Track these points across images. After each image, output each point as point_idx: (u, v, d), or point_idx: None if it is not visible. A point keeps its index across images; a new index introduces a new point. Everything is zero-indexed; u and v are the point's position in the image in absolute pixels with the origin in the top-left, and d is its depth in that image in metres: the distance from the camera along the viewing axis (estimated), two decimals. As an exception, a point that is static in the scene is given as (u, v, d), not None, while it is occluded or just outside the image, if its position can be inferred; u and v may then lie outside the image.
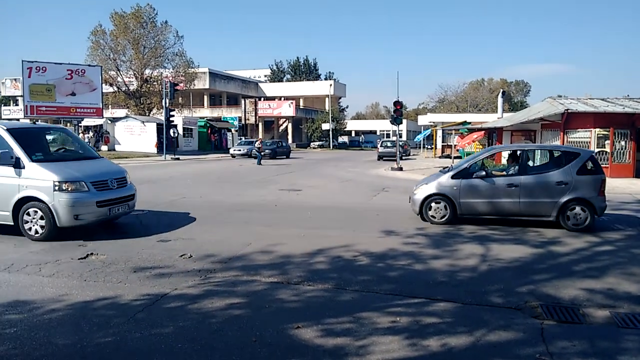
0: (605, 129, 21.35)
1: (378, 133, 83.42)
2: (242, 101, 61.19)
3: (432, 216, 9.83)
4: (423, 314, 4.95)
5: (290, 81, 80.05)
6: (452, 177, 9.82)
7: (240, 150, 39.90)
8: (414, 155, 47.90)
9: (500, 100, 38.67)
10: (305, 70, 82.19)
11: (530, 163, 10.52)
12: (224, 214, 11.18)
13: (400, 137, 35.63)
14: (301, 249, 7.57)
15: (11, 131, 8.21)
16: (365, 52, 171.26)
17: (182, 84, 46.23)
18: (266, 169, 26.03)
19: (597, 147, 21.48)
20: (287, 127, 69.63)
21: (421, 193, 10.01)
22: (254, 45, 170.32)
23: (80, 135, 36.64)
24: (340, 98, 78.90)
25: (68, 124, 44.92)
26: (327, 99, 68.24)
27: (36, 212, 7.86)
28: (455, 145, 32.91)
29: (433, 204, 9.84)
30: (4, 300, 5.24)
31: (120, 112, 49.99)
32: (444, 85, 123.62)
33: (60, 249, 7.47)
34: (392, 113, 27.32)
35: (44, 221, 7.83)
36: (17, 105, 66.20)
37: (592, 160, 9.56)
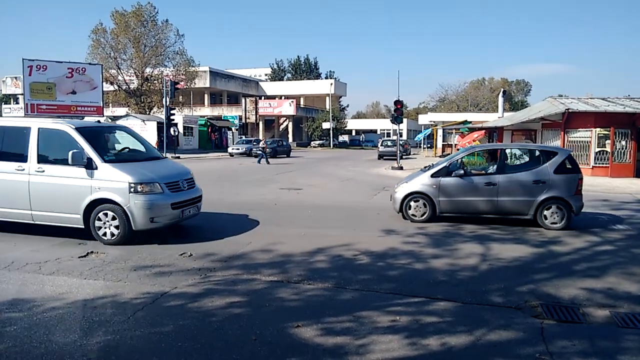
0: (605, 128, 21.34)
1: (378, 132, 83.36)
2: (243, 100, 61.19)
3: (412, 215, 9.93)
4: (423, 313, 4.95)
5: (290, 80, 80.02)
6: (432, 175, 9.93)
7: (238, 149, 39.96)
8: (414, 154, 47.87)
9: (500, 99, 38.70)
10: (305, 69, 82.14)
11: (509, 162, 10.67)
12: (226, 213, 11.17)
13: (401, 136, 35.59)
14: (301, 247, 7.57)
15: (80, 130, 7.86)
16: (366, 51, 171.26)
17: (182, 83, 46.21)
18: (266, 168, 26.03)
19: (597, 147, 21.49)
20: (287, 126, 69.62)
21: (401, 192, 10.13)
22: (255, 44, 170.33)
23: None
24: (340, 97, 78.84)
25: (68, 123, 44.97)
26: (327, 98, 68.19)
27: (109, 214, 7.53)
28: (455, 145, 32.90)
29: (412, 203, 9.94)
30: (4, 298, 5.25)
31: (121, 111, 49.96)
32: (444, 85, 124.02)
33: (60, 247, 7.47)
34: (393, 112, 27.31)
35: (117, 224, 7.51)
36: (17, 103, 66.13)
37: (570, 159, 9.65)
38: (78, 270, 6.31)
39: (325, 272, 6.39)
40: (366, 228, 9.37)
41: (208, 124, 51.47)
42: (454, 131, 40.14)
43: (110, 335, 4.31)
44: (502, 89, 45.07)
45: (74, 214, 7.63)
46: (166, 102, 35.70)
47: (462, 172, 9.77)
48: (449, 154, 37.77)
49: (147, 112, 46.87)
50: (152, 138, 40.09)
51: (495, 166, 9.94)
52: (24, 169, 7.77)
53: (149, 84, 47.19)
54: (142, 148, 9.12)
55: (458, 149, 33.47)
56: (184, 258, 6.97)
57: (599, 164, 21.47)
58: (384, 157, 36.25)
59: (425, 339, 4.33)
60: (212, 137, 51.14)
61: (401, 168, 25.37)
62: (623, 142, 21.37)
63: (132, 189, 7.46)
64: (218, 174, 21.98)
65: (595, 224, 9.97)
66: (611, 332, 4.61)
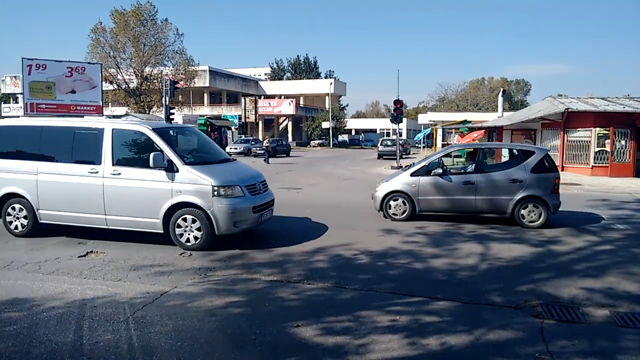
0: (605, 128, 21.35)
1: (378, 132, 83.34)
2: (242, 99, 61.09)
3: (393, 214, 10.01)
4: (423, 313, 4.95)
5: (290, 79, 79.96)
6: (412, 174, 10.05)
7: (236, 148, 39.90)
8: (414, 153, 47.86)
9: (500, 99, 38.64)
10: (305, 69, 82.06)
11: (488, 161, 10.77)
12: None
13: (400, 135, 35.59)
14: (301, 247, 7.57)
15: (157, 131, 7.59)
16: (365, 51, 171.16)
17: (182, 82, 46.08)
18: (266, 167, 26.02)
19: (597, 147, 21.50)
20: (287, 125, 69.58)
21: (382, 190, 10.22)
22: (254, 44, 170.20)
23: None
24: (340, 96, 78.82)
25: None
26: (327, 97, 68.15)
27: (191, 219, 7.21)
28: (455, 144, 32.90)
29: (392, 202, 10.04)
30: (3, 297, 5.24)
31: (120, 110, 49.85)
32: (444, 84, 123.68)
33: (60, 247, 7.47)
34: (392, 112, 27.30)
35: (199, 229, 7.20)
36: (17, 102, 66.17)
37: (547, 158, 9.77)
38: (78, 269, 6.31)
39: (325, 271, 6.39)
40: (366, 227, 9.37)
41: (207, 123, 51.20)
42: (453, 131, 40.13)
43: (109, 335, 4.31)
44: (501, 89, 45.01)
45: (152, 219, 7.32)
46: (166, 101, 35.54)
47: (440, 171, 9.86)
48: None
49: (147, 112, 46.79)
50: (151, 137, 40.06)
51: (473, 165, 10.06)
52: (97, 172, 7.46)
53: (149, 83, 47.16)
54: (211, 150, 8.77)
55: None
56: (184, 257, 6.97)
57: (599, 163, 21.48)
58: (384, 157, 36.27)
59: (424, 338, 4.33)
60: (212, 137, 50.98)
61: (401, 167, 25.38)
62: (622, 142, 21.38)
63: (215, 192, 7.13)
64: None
65: (595, 224, 9.97)
66: (611, 331, 4.61)
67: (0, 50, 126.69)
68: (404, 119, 59.43)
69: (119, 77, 46.56)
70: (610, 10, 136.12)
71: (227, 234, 7.36)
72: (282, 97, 68.66)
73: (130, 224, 7.51)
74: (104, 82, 37.75)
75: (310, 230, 8.95)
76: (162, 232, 7.33)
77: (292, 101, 65.40)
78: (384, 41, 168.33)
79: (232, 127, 55.80)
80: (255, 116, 60.01)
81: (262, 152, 31.08)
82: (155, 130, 7.56)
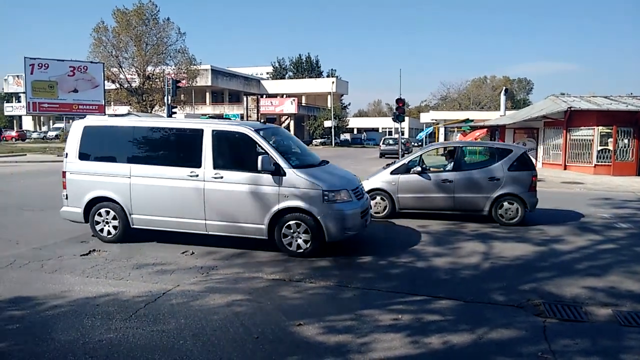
0: (608, 127, 21.29)
1: (380, 130, 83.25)
2: (244, 98, 61.03)
3: (375, 212, 10.01)
4: (425, 312, 4.95)
5: (292, 78, 79.93)
6: (391, 172, 10.15)
7: None
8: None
9: (502, 97, 38.58)
10: (307, 68, 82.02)
11: (467, 160, 10.89)
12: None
13: (403, 134, 35.57)
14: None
15: (260, 133, 7.23)
16: (367, 50, 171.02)
17: (184, 81, 46.18)
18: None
19: (600, 145, 21.44)
20: (289, 124, 69.55)
21: None
22: (256, 43, 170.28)
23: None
24: (342, 95, 78.74)
25: (70, 121, 45.00)
26: (329, 96, 68.11)
27: (299, 225, 6.86)
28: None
29: (372, 200, 10.04)
30: (6, 296, 5.26)
31: (123, 109, 49.88)
32: (446, 83, 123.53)
33: (62, 246, 7.48)
34: (395, 110, 27.25)
35: (307, 235, 6.85)
36: (19, 102, 66.30)
37: (524, 157, 9.89)
38: (80, 268, 6.32)
39: (327, 270, 6.39)
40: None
41: (209, 122, 51.42)
42: (455, 129, 40.06)
43: (112, 333, 4.32)
44: (504, 87, 44.90)
45: (256, 224, 6.96)
46: (168, 100, 35.58)
47: (419, 169, 9.95)
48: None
49: (149, 111, 46.80)
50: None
51: (452, 164, 10.13)
52: (197, 175, 7.09)
53: (151, 83, 47.17)
54: (305, 151, 8.36)
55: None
56: (186, 256, 6.98)
57: (601, 162, 21.43)
58: (386, 156, 36.20)
59: (427, 337, 4.32)
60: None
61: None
62: (625, 141, 21.32)
63: (325, 197, 6.76)
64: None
65: (598, 223, 9.95)
66: (613, 330, 4.60)
67: (3, 50, 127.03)
68: (406, 118, 59.43)
69: (121, 76, 46.59)
70: (613, 8, 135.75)
71: (336, 241, 7.02)
72: (284, 96, 68.62)
73: (233, 229, 7.12)
74: (106, 81, 37.85)
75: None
76: (266, 238, 7.00)
77: (294, 100, 65.36)
78: (386, 40, 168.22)
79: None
80: (258, 115, 59.97)
81: None
82: (257, 131, 7.23)
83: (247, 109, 59.31)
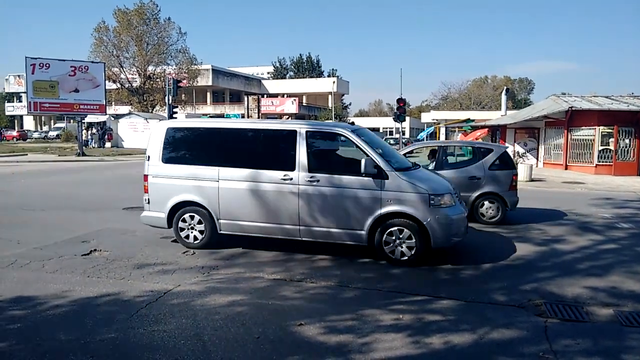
0: (609, 126, 21.28)
1: (381, 130, 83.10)
2: (245, 98, 61.01)
3: None
4: (426, 312, 4.95)
5: (293, 78, 79.95)
6: None
7: None
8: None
9: (503, 97, 38.52)
10: (308, 67, 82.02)
11: (449, 159, 11.01)
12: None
13: (403, 134, 35.54)
14: (304, 246, 7.55)
15: (357, 134, 6.93)
16: (368, 49, 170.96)
17: (185, 81, 46.22)
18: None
19: (601, 145, 21.43)
20: (289, 124, 69.48)
21: None
22: (257, 43, 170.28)
23: (84, 132, 36.73)
24: (343, 95, 78.70)
25: (71, 121, 45.10)
26: (330, 96, 68.10)
27: (401, 231, 6.49)
28: (458, 143, 32.78)
29: None
30: (7, 296, 5.26)
31: (124, 109, 50.05)
32: (447, 83, 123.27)
33: (63, 245, 7.48)
34: (395, 110, 27.29)
35: (411, 242, 6.48)
36: (20, 101, 66.37)
37: (505, 156, 10.02)
38: (81, 268, 6.32)
39: (328, 270, 6.39)
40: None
41: (210, 122, 51.48)
42: (456, 129, 40.05)
43: (113, 333, 4.32)
44: (505, 87, 44.82)
45: (355, 230, 6.63)
46: (169, 100, 35.64)
47: None
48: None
49: (150, 111, 46.93)
50: (154, 136, 40.15)
51: (434, 163, 10.18)
52: (291, 179, 6.74)
53: (152, 82, 47.25)
54: (396, 154, 7.94)
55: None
56: (187, 256, 6.98)
57: (603, 162, 21.42)
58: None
59: (428, 337, 4.32)
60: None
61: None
62: (627, 140, 21.30)
63: (432, 201, 6.41)
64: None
65: (599, 223, 9.94)
66: (615, 330, 4.60)
67: (4, 49, 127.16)
68: (407, 118, 59.31)
69: (122, 76, 46.68)
70: (614, 8, 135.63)
71: (441, 247, 6.72)
72: (285, 95, 68.56)
73: (329, 236, 6.80)
74: (107, 81, 37.85)
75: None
76: (365, 245, 6.68)
77: (294, 100, 65.33)
78: (386, 40, 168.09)
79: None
80: (258, 115, 59.96)
81: None
82: (354, 132, 6.95)
83: (248, 108, 59.31)
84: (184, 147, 7.64)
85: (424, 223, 6.40)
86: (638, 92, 25.68)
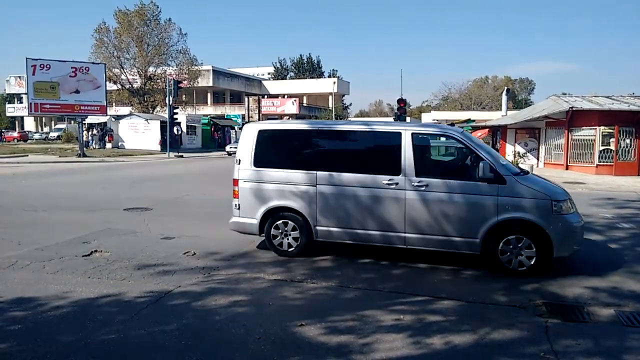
0: (610, 126, 21.26)
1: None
2: (246, 99, 61.19)
3: None
4: (427, 312, 4.94)
5: (293, 79, 80.00)
6: None
7: (236, 147, 39.56)
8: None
9: (504, 98, 38.48)
10: (308, 68, 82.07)
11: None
12: (228, 211, 11.16)
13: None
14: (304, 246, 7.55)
15: (468, 136, 6.67)
16: (368, 50, 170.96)
17: (185, 82, 46.27)
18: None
19: (601, 145, 21.42)
20: (290, 124, 69.50)
21: None
22: (258, 43, 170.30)
23: (84, 133, 36.76)
24: (343, 96, 78.73)
25: (72, 122, 45.12)
26: (330, 96, 68.12)
27: (520, 239, 6.12)
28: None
29: None
30: (8, 297, 5.26)
31: (124, 110, 50.07)
32: (448, 83, 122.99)
33: (64, 247, 7.48)
34: (396, 110, 27.31)
35: (530, 251, 6.11)
36: (21, 102, 66.43)
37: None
38: (82, 269, 6.33)
39: (329, 271, 6.38)
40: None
41: (211, 123, 51.55)
42: (457, 130, 39.96)
43: (114, 334, 4.32)
44: (505, 88, 44.79)
45: (468, 238, 6.28)
46: (169, 101, 35.75)
47: None
48: (452, 153, 37.62)
49: (150, 111, 46.95)
50: (155, 137, 40.27)
51: None
52: (397, 183, 6.44)
53: (152, 83, 47.27)
54: (502, 158, 7.39)
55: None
56: (188, 257, 6.98)
57: (603, 162, 21.40)
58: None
59: (429, 337, 4.32)
60: (215, 136, 51.19)
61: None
62: (627, 141, 21.28)
63: (555, 208, 6.06)
64: (221, 173, 21.95)
65: (600, 223, 9.93)
66: (616, 331, 4.59)
67: (5, 50, 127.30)
68: (408, 118, 59.34)
69: (123, 77, 46.71)
70: (614, 8, 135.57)
71: (561, 257, 6.36)
72: (286, 96, 68.61)
73: (438, 244, 6.47)
74: (107, 82, 37.91)
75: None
76: (478, 253, 6.34)
77: (295, 100, 65.37)
78: (387, 40, 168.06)
79: (236, 127, 55.92)
80: (259, 116, 60.05)
81: None
82: (464, 134, 6.66)
83: (248, 109, 59.42)
84: (278, 150, 7.31)
85: (547, 231, 6.02)
86: (639, 92, 25.66)
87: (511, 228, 6.16)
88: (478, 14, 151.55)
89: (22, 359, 3.89)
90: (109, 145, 40.69)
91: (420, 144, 6.76)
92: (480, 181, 6.18)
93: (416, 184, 6.40)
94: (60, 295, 5.31)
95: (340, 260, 6.87)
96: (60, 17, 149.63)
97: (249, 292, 5.50)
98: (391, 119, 44.52)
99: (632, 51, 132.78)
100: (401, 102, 26.48)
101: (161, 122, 40.35)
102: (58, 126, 59.68)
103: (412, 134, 6.57)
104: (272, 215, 7.02)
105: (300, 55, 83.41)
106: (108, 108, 37.43)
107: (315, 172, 6.80)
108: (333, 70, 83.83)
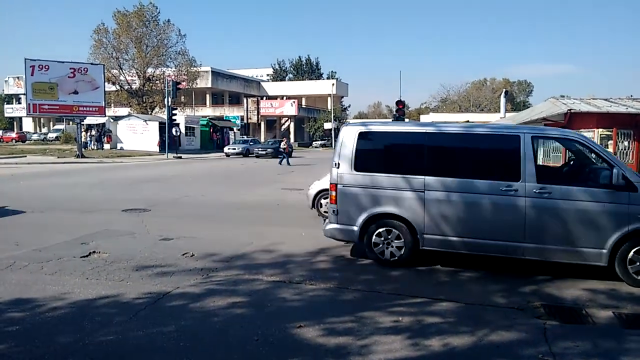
0: (608, 129, 21.26)
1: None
2: (245, 100, 61.27)
3: (324, 212, 10.03)
4: (425, 314, 4.94)
5: (292, 80, 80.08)
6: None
7: (235, 149, 39.48)
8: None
9: (502, 100, 38.55)
10: (307, 70, 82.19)
11: None
12: (226, 212, 11.18)
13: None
14: (303, 248, 7.56)
15: (591, 140, 6.36)
16: (367, 52, 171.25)
17: (184, 83, 46.29)
18: (268, 168, 26.01)
19: (600, 147, 21.43)
20: (289, 126, 69.62)
21: (314, 189, 10.51)
22: (256, 45, 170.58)
23: (83, 134, 36.72)
24: (342, 97, 78.85)
25: (70, 122, 45.05)
26: (329, 98, 68.20)
27: None
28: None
29: (323, 200, 10.17)
30: (6, 298, 5.25)
31: (123, 111, 50.05)
32: (446, 85, 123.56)
33: (62, 248, 7.47)
34: (395, 112, 27.31)
35: None
36: (19, 103, 66.39)
37: None
38: (80, 270, 6.31)
39: (327, 272, 6.38)
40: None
41: (210, 124, 51.55)
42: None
43: (112, 335, 4.31)
44: (504, 90, 44.97)
45: (594, 249, 5.91)
46: (168, 102, 35.76)
47: None
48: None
49: (149, 112, 46.94)
50: (154, 138, 40.26)
51: None
52: (516, 190, 6.07)
53: (151, 84, 47.28)
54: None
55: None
56: (186, 258, 6.97)
57: (602, 164, 21.41)
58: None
59: (427, 339, 4.32)
60: (214, 137, 51.18)
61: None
62: (626, 143, 21.29)
63: None
64: (220, 174, 21.98)
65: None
66: (614, 333, 4.60)
67: (3, 51, 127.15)
68: (406, 120, 59.44)
69: (122, 78, 46.71)
70: (613, 11, 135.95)
71: None
72: (284, 97, 68.71)
73: (561, 255, 6.08)
74: (106, 83, 37.90)
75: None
76: (605, 265, 5.96)
77: (294, 102, 65.45)
78: (386, 42, 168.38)
79: (235, 128, 55.96)
80: (258, 117, 60.16)
81: (267, 153, 31.73)
82: (589, 139, 6.34)
83: (247, 110, 59.49)
84: (381, 154, 7.00)
85: None
86: (637, 95, 25.69)
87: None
88: (476, 16, 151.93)
89: (20, 360, 3.88)
90: (107, 146, 40.68)
91: (542, 148, 6.30)
92: (609, 188, 5.83)
93: (538, 190, 6.04)
94: (58, 297, 5.29)
95: (339, 261, 6.87)
96: (59, 18, 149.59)
97: (248, 294, 5.49)
98: (390, 121, 44.52)
99: (630, 54, 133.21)
100: (400, 104, 26.47)
101: (160, 123, 40.37)
102: (56, 127, 59.65)
103: (532, 137, 6.25)
104: (374, 222, 6.67)
105: (299, 56, 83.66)
106: (107, 109, 37.41)
107: (423, 177, 6.45)
108: (332, 71, 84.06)
